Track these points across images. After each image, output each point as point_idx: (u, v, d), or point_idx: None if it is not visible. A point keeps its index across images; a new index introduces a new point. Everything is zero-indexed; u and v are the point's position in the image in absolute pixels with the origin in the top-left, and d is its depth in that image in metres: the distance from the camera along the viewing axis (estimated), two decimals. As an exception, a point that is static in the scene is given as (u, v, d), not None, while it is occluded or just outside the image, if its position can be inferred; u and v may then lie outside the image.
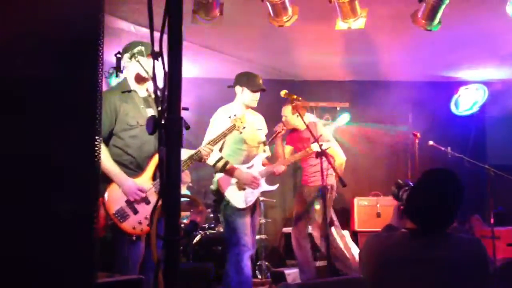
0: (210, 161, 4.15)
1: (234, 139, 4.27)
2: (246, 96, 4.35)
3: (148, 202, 3.31)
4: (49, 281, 1.35)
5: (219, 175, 4.31)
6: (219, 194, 4.32)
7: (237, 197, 4.26)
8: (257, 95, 4.37)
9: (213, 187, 4.41)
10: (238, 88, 4.38)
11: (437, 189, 2.19)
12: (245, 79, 4.37)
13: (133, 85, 3.48)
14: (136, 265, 3.24)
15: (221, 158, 4.21)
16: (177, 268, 1.32)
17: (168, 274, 1.32)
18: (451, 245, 2.14)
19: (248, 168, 4.36)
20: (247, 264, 4.18)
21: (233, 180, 4.28)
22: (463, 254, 2.11)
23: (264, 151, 4.56)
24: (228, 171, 4.23)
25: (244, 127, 3.96)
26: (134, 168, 3.35)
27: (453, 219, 2.20)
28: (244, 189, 4.28)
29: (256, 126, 4.48)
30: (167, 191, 1.34)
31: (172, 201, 1.35)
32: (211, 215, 6.27)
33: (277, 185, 4.64)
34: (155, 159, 3.37)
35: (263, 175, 4.42)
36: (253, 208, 4.39)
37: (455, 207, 2.18)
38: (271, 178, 4.59)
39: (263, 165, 4.48)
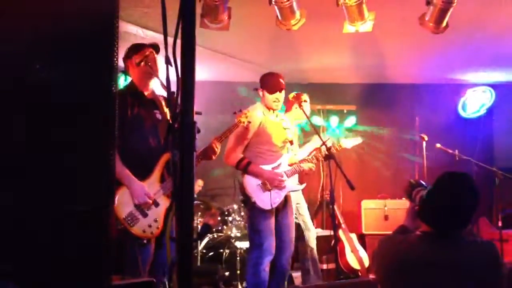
0: (232, 162, 4.20)
1: (258, 141, 4.27)
2: (266, 99, 4.34)
3: (157, 205, 3.30)
4: (65, 282, 1.37)
5: (244, 179, 4.25)
6: (245, 195, 4.26)
7: (262, 198, 4.19)
8: (276, 96, 4.30)
9: (241, 189, 4.34)
10: (260, 91, 4.38)
11: (453, 192, 2.20)
12: (264, 81, 4.36)
13: (140, 86, 3.49)
14: (146, 267, 3.25)
15: (243, 159, 4.20)
16: (190, 270, 1.34)
17: (181, 276, 1.34)
18: (466, 248, 2.14)
19: (274, 168, 4.30)
20: (265, 268, 4.15)
21: (258, 181, 4.22)
22: (478, 257, 2.11)
23: (291, 150, 4.51)
24: (251, 171, 4.19)
25: (249, 122, 3.97)
26: (142, 170, 3.33)
27: (468, 222, 2.20)
28: (269, 189, 4.20)
29: (283, 125, 4.44)
30: (181, 195, 1.36)
31: (186, 205, 1.36)
32: (219, 218, 6.30)
33: (305, 184, 4.62)
34: (163, 160, 3.37)
35: (289, 175, 4.37)
36: (282, 208, 4.34)
37: (470, 211, 2.19)
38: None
39: (289, 165, 4.43)
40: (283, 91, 4.35)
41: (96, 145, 1.40)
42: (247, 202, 4.26)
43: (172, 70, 1.47)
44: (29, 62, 1.35)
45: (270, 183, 4.20)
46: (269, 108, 4.35)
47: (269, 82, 4.31)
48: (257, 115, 4.24)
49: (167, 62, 1.43)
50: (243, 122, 3.93)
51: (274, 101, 4.31)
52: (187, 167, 1.36)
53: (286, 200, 4.37)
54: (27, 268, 1.38)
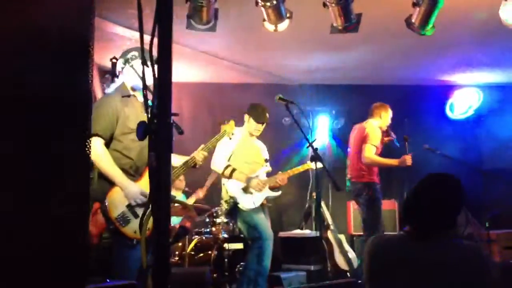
0: (219, 168, 4.76)
1: (241, 154, 4.82)
2: (251, 125, 4.92)
3: (148, 207, 3.28)
4: (39, 283, 1.35)
5: (227, 183, 4.79)
6: (230, 203, 4.78)
7: (245, 199, 4.75)
8: (260, 126, 4.93)
9: (224, 197, 4.89)
10: (246, 116, 4.97)
11: (435, 192, 2.19)
12: (253, 110, 4.93)
13: (131, 89, 3.46)
14: (135, 269, 3.22)
15: (228, 166, 4.76)
16: (167, 272, 1.32)
17: (157, 278, 1.32)
18: (449, 250, 2.12)
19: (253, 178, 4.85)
20: (268, 256, 4.66)
21: (240, 186, 4.75)
22: (461, 259, 2.09)
23: (266, 166, 5.05)
24: (236, 177, 4.75)
25: (233, 134, 4.17)
26: (133, 172, 3.32)
27: (452, 223, 2.19)
28: (251, 193, 4.76)
29: (259, 146, 5.07)
30: (157, 196, 1.35)
31: (162, 206, 1.35)
32: (207, 220, 6.28)
33: (280, 191, 5.04)
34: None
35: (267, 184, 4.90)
36: (263, 209, 4.86)
37: (453, 212, 2.18)
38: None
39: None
40: (265, 124, 4.97)
41: (72, 144, 1.39)
42: (231, 208, 4.79)
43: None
44: (5, 62, 1.34)
45: (251, 186, 4.73)
46: (249, 133, 4.95)
47: (259, 113, 4.90)
48: (237, 136, 4.66)
49: (143, 63, 1.41)
50: (228, 133, 4.08)
51: (256, 129, 4.94)
52: (163, 168, 1.35)
53: (262, 204, 4.88)
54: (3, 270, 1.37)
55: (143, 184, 3.32)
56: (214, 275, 5.61)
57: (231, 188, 4.76)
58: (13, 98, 1.35)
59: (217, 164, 4.80)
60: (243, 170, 4.80)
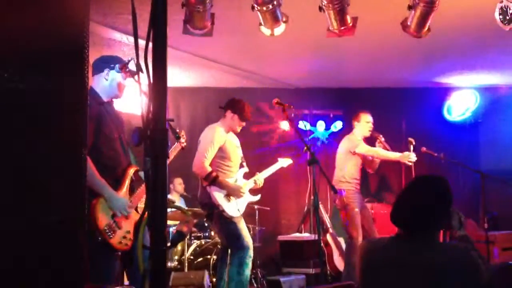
0: (201, 174, 4.60)
1: (221, 156, 4.69)
2: (235, 122, 4.80)
3: (127, 217, 3.24)
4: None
5: (212, 191, 4.63)
6: (210, 206, 4.66)
7: (230, 207, 4.64)
8: (243, 124, 4.86)
9: (204, 200, 4.73)
10: (229, 113, 4.81)
11: (421, 194, 2.22)
12: (238, 107, 4.80)
13: (104, 97, 3.36)
14: (111, 280, 3.20)
15: (212, 172, 4.61)
16: (163, 278, 1.32)
17: (155, 284, 1.32)
18: (435, 251, 2.14)
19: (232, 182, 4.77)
20: (248, 266, 4.63)
21: (223, 193, 4.65)
22: (448, 260, 2.09)
23: (243, 166, 4.95)
24: (219, 183, 4.63)
25: (184, 140, 4.12)
26: (112, 182, 3.24)
27: (436, 224, 2.20)
28: (232, 199, 4.68)
29: (236, 144, 4.88)
30: (153, 201, 1.35)
31: (158, 211, 1.35)
32: (206, 224, 6.27)
33: (259, 195, 5.04)
34: (130, 173, 3.34)
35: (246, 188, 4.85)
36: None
37: (436, 213, 2.19)
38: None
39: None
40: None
41: (67, 152, 1.39)
42: (213, 214, 4.68)
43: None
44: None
45: (233, 194, 4.67)
46: (229, 129, 4.81)
47: (244, 111, 4.80)
48: (221, 133, 4.70)
49: (138, 68, 1.41)
50: (182, 142, 4.02)
51: (239, 126, 4.84)
52: (159, 174, 1.35)
53: None
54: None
55: (124, 194, 3.28)
56: (214, 279, 5.60)
57: (217, 197, 4.62)
58: (7, 102, 1.35)
59: (199, 169, 4.62)
60: (223, 175, 4.68)
